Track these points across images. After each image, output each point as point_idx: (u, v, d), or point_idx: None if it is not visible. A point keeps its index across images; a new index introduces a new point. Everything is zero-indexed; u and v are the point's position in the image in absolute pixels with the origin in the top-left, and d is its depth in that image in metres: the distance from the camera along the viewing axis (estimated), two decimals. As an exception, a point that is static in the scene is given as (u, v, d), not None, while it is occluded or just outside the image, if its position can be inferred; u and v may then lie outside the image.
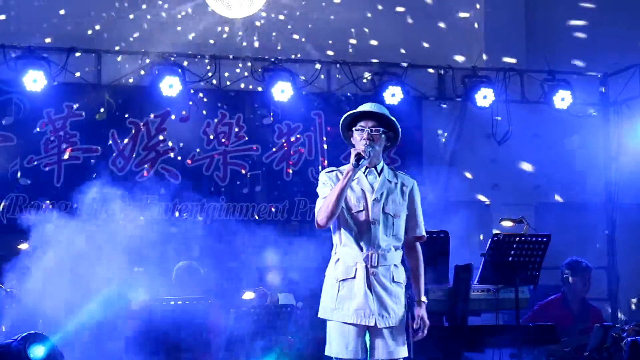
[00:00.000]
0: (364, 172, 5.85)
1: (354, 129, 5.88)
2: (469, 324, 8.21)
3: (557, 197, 11.44)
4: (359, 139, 5.82)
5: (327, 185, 5.83)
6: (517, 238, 8.05)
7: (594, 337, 8.49)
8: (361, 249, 5.77)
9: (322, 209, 5.76)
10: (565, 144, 11.40)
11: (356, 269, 5.75)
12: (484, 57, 11.39)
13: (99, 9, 10.58)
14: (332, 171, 5.89)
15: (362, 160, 5.69)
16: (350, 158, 5.71)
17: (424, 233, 5.99)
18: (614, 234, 11.48)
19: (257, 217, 10.65)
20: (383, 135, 5.84)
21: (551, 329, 8.47)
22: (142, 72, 10.31)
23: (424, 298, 5.88)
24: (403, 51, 11.20)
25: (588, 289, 9.44)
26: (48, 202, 10.06)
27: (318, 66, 10.79)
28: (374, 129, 5.80)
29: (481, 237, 10.57)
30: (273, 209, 10.70)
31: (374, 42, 11.24)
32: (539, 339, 8.41)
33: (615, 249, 11.42)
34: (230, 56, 10.69)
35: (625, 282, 11.33)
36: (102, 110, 10.28)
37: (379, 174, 5.87)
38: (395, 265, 5.82)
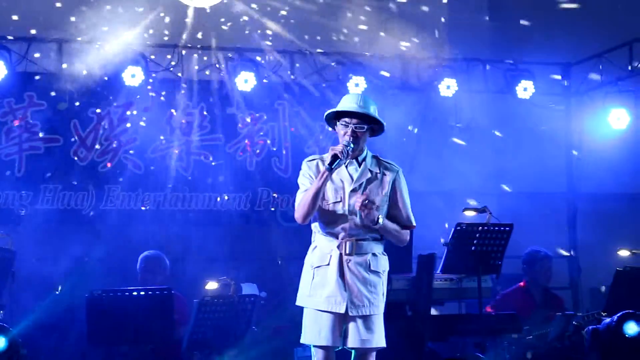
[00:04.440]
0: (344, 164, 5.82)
1: (338, 122, 5.82)
2: (432, 314, 8.25)
3: (520, 187, 11.49)
4: (342, 134, 5.79)
5: (306, 177, 5.83)
6: (480, 227, 8.09)
7: (556, 325, 8.58)
8: (337, 237, 5.76)
9: (298, 207, 5.78)
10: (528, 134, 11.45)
11: (331, 257, 5.75)
12: (448, 47, 11.40)
13: (62, -2, 10.51)
14: (313, 160, 5.87)
15: (338, 161, 5.66)
16: (327, 158, 5.67)
17: (412, 221, 5.90)
18: (575, 223, 11.55)
19: (220, 207, 10.60)
20: (367, 131, 5.80)
21: (514, 318, 8.53)
22: (105, 62, 10.20)
23: (381, 220, 5.72)
24: (367, 41, 11.18)
25: (549, 277, 9.52)
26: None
27: (281, 56, 10.74)
28: (357, 125, 5.76)
29: (446, 225, 10.60)
30: (236, 199, 10.66)
31: (338, 32, 11.21)
32: (501, 328, 8.47)
33: (577, 238, 11.51)
34: (194, 46, 10.62)
35: (586, 271, 11.42)
36: (63, 100, 10.18)
37: (360, 164, 5.82)
38: (373, 254, 5.80)
